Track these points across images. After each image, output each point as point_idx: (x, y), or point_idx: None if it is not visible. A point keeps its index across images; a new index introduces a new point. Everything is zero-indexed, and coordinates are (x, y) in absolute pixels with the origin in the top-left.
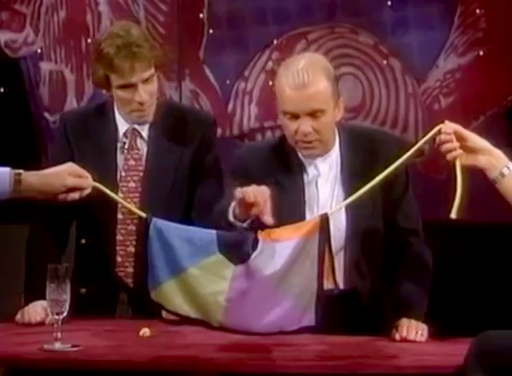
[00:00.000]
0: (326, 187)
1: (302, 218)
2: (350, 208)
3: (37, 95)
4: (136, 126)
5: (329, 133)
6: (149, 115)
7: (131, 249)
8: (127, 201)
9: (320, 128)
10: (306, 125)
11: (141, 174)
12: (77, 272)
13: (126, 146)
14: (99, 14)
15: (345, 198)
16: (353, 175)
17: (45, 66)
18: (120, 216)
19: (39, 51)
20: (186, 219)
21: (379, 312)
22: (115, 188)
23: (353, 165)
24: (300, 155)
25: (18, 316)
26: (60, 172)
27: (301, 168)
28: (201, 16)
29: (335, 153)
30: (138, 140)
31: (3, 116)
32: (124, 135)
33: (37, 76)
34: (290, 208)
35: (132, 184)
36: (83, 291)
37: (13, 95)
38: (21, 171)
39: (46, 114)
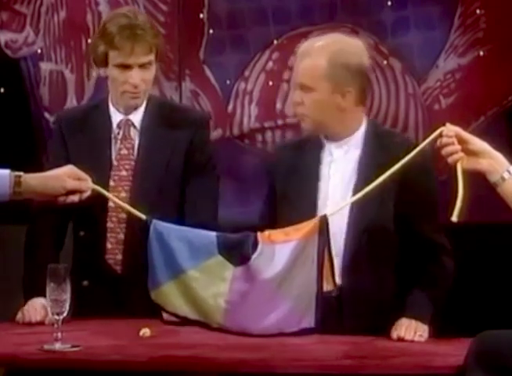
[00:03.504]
0: (337, 175)
1: (314, 201)
2: (353, 207)
3: (37, 95)
4: (130, 117)
5: (320, 113)
6: (141, 99)
7: (121, 236)
8: (118, 189)
9: (307, 104)
10: (296, 95)
11: (132, 163)
12: (78, 265)
13: (119, 137)
14: (99, 14)
15: (353, 191)
16: (368, 171)
17: (45, 67)
18: (111, 204)
19: (39, 51)
20: (179, 212)
21: (381, 313)
22: (108, 177)
23: (370, 162)
24: (321, 138)
25: (18, 316)
26: (60, 175)
27: (320, 151)
28: (201, 16)
29: (354, 143)
30: (132, 130)
31: (3, 116)
32: (118, 125)
33: (38, 76)
34: (303, 192)
35: (124, 173)
36: (85, 283)
37: (13, 95)
38: (21, 173)
39: (46, 114)
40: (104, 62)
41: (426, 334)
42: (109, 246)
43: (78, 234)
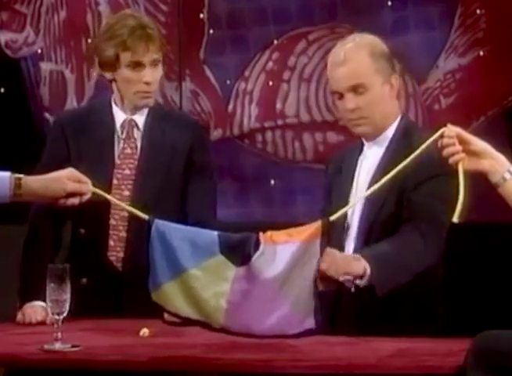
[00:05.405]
0: (364, 172)
1: (347, 200)
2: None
3: (37, 96)
4: (134, 117)
5: (379, 111)
6: (153, 98)
7: (123, 234)
8: (121, 187)
9: (365, 105)
10: (350, 102)
11: (136, 162)
12: (76, 263)
13: (123, 136)
14: (99, 14)
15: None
16: (387, 168)
17: (46, 67)
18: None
19: (39, 51)
20: (180, 211)
21: (384, 312)
22: (111, 175)
23: (391, 159)
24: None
25: (19, 317)
26: (60, 177)
27: (361, 150)
28: (201, 16)
29: (382, 140)
30: (135, 130)
31: (3, 116)
32: (122, 125)
33: (38, 76)
34: (341, 191)
35: (127, 171)
36: (84, 280)
37: (13, 95)
38: (21, 175)
39: (46, 114)
40: (114, 65)
41: (356, 272)
42: (111, 243)
43: (78, 232)
